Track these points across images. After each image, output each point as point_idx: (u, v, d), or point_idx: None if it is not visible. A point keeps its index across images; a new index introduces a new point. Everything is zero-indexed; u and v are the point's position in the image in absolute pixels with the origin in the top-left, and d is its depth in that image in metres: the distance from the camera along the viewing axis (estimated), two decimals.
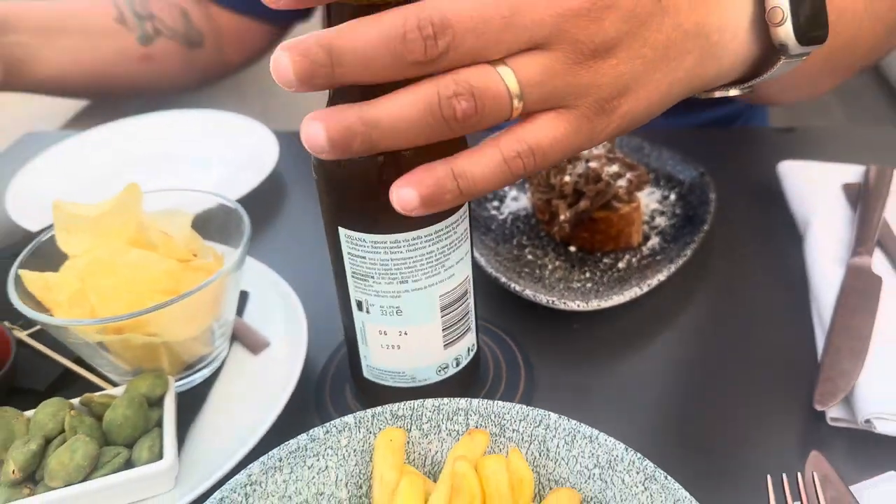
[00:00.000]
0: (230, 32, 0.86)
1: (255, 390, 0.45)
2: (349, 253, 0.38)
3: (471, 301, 0.42)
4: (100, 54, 0.77)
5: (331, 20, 0.34)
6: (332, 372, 0.48)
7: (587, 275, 0.53)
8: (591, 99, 0.30)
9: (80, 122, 0.90)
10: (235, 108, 0.79)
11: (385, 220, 0.37)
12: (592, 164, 0.53)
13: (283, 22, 0.89)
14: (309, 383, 0.47)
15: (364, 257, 0.38)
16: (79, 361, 0.46)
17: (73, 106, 0.92)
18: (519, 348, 0.49)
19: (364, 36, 0.28)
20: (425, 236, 0.37)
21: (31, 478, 0.38)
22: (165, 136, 0.75)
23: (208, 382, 0.46)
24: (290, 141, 0.72)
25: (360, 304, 0.40)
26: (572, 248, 0.56)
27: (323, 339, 0.49)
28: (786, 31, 0.34)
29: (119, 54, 0.78)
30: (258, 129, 0.74)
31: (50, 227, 0.46)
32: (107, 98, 0.86)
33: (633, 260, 0.54)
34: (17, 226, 0.62)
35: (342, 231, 0.38)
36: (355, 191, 0.36)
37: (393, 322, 0.40)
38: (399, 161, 0.35)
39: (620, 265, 0.54)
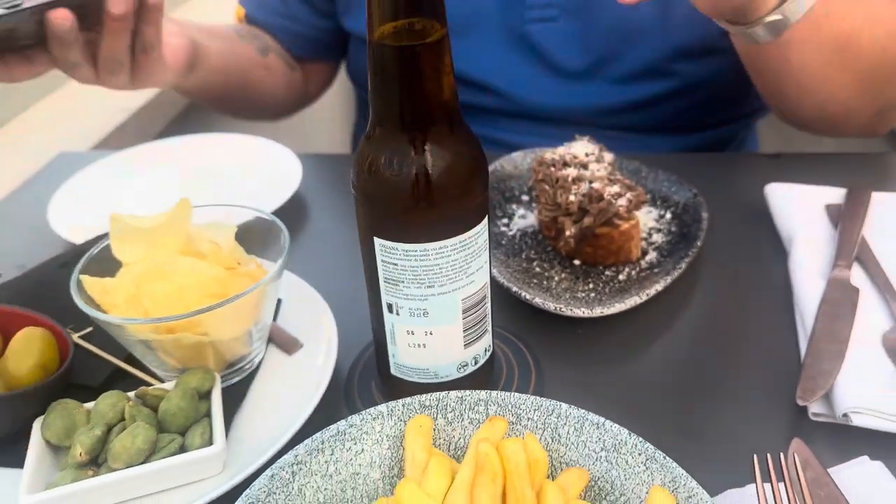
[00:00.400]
0: (307, 68, 0.96)
1: (290, 387, 0.49)
2: (383, 260, 0.43)
3: (488, 305, 0.47)
4: (241, 56, 0.85)
5: (374, 58, 0.39)
6: (359, 371, 0.53)
7: (590, 285, 0.58)
8: None
9: (107, 144, 0.95)
10: (250, 133, 0.85)
11: (416, 230, 0.41)
12: (595, 185, 0.58)
13: (337, 59, 0.99)
14: (337, 381, 0.51)
15: (396, 264, 0.42)
16: (128, 361, 0.50)
17: (100, 130, 0.97)
18: (529, 351, 0.53)
19: None
20: (451, 245, 0.42)
21: (94, 461, 0.42)
22: (193, 157, 0.80)
23: (248, 380, 0.50)
24: (311, 163, 0.77)
25: (390, 307, 0.44)
26: (576, 262, 0.61)
27: (348, 341, 0.54)
28: None
29: (251, 59, 0.86)
30: (282, 151, 0.79)
31: (103, 236, 0.50)
32: (242, 105, 0.93)
33: (633, 273, 0.59)
34: (60, 238, 0.66)
35: (377, 241, 0.42)
36: (391, 205, 0.41)
37: (420, 323, 0.44)
38: (429, 181, 0.40)
39: (621, 277, 0.59)
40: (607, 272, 0.59)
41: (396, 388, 0.48)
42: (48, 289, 0.56)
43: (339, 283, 0.57)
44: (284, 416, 0.46)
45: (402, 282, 0.43)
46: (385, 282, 0.44)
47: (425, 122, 0.40)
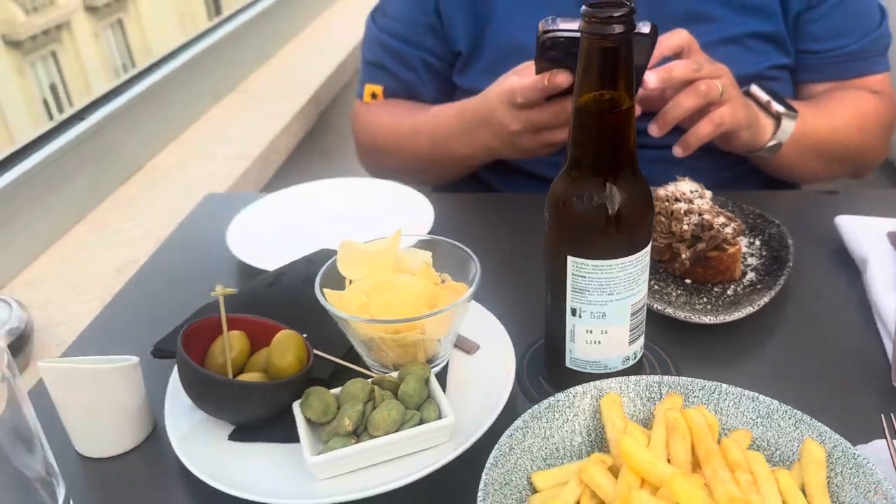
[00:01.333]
0: None
1: (477, 378, 0.61)
2: (573, 273, 0.55)
3: (645, 311, 0.59)
4: None
5: (576, 119, 0.52)
6: (526, 368, 0.64)
7: (704, 300, 0.70)
8: (731, 100, 0.78)
9: (238, 185, 1.08)
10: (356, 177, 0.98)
11: (603, 250, 0.54)
12: (706, 217, 0.70)
13: None
14: None
15: (585, 277, 0.55)
16: (345, 359, 0.62)
17: (229, 174, 1.10)
18: (665, 353, 0.65)
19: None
20: (628, 262, 0.54)
21: (353, 432, 0.54)
22: (335, 199, 0.92)
23: (442, 374, 0.62)
24: (439, 201, 0.89)
25: (574, 311, 0.57)
26: (688, 281, 0.73)
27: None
28: (776, 107, 0.86)
29: None
30: (409, 192, 0.91)
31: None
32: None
33: (738, 289, 0.71)
34: (241, 263, 0.79)
35: (570, 258, 0.55)
36: (586, 230, 0.54)
37: (598, 324, 0.56)
38: (618, 213, 0.53)
39: (728, 293, 0.71)
40: (715, 289, 0.72)
41: (569, 379, 0.59)
42: (261, 303, 0.68)
43: (494, 301, 0.69)
44: (483, 400, 0.58)
45: (588, 290, 0.55)
46: (572, 291, 0.56)
47: (614, 168, 0.53)
